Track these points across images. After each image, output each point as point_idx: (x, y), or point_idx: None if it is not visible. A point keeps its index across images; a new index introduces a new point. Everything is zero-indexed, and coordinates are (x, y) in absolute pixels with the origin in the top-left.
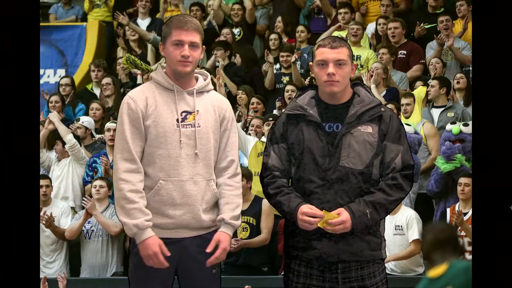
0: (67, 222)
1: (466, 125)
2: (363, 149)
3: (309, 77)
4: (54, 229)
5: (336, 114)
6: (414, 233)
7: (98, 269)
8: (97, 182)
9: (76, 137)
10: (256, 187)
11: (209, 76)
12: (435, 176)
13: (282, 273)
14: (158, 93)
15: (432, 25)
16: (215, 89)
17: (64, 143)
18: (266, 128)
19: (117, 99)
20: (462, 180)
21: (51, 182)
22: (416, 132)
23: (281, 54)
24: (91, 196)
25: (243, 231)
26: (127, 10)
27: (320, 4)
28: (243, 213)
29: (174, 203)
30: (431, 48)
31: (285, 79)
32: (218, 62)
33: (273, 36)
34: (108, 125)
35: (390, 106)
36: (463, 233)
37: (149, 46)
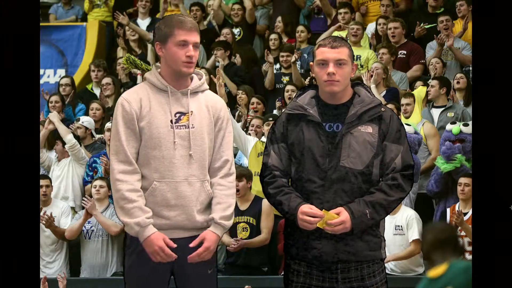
0: (67, 222)
1: (466, 125)
2: (363, 149)
3: (309, 77)
4: (54, 229)
5: (336, 114)
6: (414, 233)
7: (98, 269)
8: (97, 182)
9: (76, 137)
10: (256, 187)
11: (204, 76)
12: (435, 176)
13: (282, 273)
14: (152, 94)
15: (432, 25)
16: (215, 89)
17: (64, 143)
18: (266, 128)
19: (117, 99)
20: (462, 180)
21: (51, 182)
22: (416, 132)
23: (281, 54)
24: (91, 196)
25: (243, 231)
26: (127, 10)
27: (320, 4)
28: (243, 213)
29: (168, 204)
30: (431, 48)
31: (285, 79)
32: (218, 62)
33: (273, 36)
34: (108, 125)
35: (390, 106)
36: (463, 233)
37: (149, 46)
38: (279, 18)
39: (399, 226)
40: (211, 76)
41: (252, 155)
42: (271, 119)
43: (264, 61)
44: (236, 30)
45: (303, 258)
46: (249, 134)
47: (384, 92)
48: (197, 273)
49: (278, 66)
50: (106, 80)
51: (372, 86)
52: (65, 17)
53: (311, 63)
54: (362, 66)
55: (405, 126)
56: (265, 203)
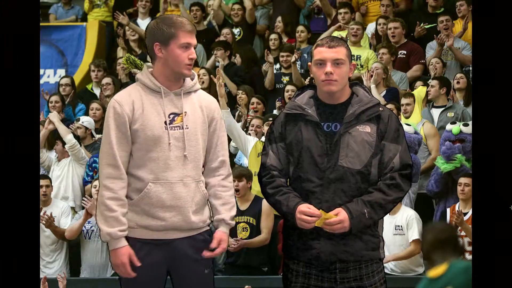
0: (67, 222)
1: (466, 125)
2: (362, 149)
3: (309, 77)
4: (54, 229)
5: (334, 113)
6: (414, 233)
7: (98, 269)
8: (97, 182)
9: (76, 137)
10: (256, 187)
11: (196, 76)
12: (435, 176)
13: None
14: (145, 96)
15: (432, 25)
16: (215, 89)
17: (64, 143)
18: (266, 128)
19: None
20: (462, 180)
21: (51, 182)
22: (416, 132)
23: (281, 54)
24: (91, 196)
25: (243, 231)
26: (127, 10)
27: (320, 4)
28: (243, 213)
29: (164, 206)
30: (431, 48)
31: (285, 79)
32: (218, 62)
33: (273, 36)
34: None
35: (390, 106)
36: (463, 233)
37: None
38: (279, 18)
39: (399, 226)
40: (211, 76)
41: (252, 155)
42: (271, 119)
43: (264, 61)
44: (236, 30)
45: (301, 258)
46: (249, 134)
47: (384, 92)
48: (193, 273)
49: (278, 66)
50: (106, 80)
51: (372, 86)
52: (65, 17)
53: (309, 63)
54: (362, 66)
55: (405, 126)
56: (265, 203)
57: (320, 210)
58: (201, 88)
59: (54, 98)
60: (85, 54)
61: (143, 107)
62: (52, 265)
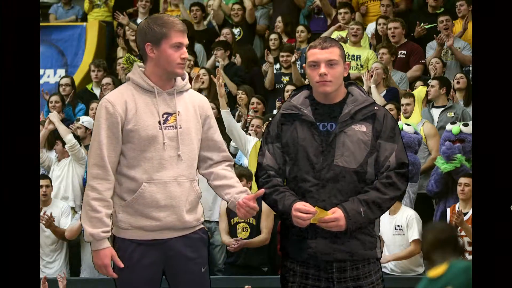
0: (67, 222)
1: (466, 125)
2: (357, 148)
3: None
4: (54, 229)
5: (330, 113)
6: (414, 233)
7: None
8: None
9: (76, 137)
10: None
11: (187, 75)
12: (435, 176)
13: None
14: (138, 95)
15: (432, 25)
16: (215, 89)
17: (64, 143)
18: None
19: None
20: (462, 180)
21: (51, 182)
22: (416, 132)
23: (281, 54)
24: None
25: (243, 231)
26: (127, 10)
27: (320, 4)
28: None
29: (158, 205)
30: (431, 48)
31: (285, 79)
32: (218, 62)
33: (273, 36)
34: None
35: (390, 106)
36: (463, 233)
37: None
38: (279, 18)
39: (399, 226)
40: (211, 76)
41: (252, 155)
42: (271, 119)
43: (264, 61)
44: (236, 30)
45: (298, 257)
46: (249, 134)
47: (384, 92)
48: (189, 272)
49: (278, 66)
50: (106, 80)
51: (372, 86)
52: (65, 17)
53: (304, 65)
54: (362, 66)
55: (405, 126)
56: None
57: (316, 207)
58: (201, 88)
59: (54, 98)
60: (85, 54)
61: (136, 107)
62: (52, 265)
